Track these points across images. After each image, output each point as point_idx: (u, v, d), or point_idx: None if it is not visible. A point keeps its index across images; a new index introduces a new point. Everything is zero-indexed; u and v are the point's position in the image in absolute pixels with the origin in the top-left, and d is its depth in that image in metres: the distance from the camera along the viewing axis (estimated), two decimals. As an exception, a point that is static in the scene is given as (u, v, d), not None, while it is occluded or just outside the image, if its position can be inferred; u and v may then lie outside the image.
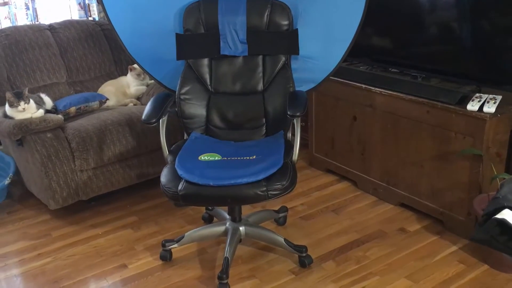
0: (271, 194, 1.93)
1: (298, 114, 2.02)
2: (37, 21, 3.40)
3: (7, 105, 2.57)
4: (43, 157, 2.54)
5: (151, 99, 2.26)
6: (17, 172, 2.95)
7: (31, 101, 2.58)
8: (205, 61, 2.45)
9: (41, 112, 2.62)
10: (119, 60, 3.36)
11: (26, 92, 2.57)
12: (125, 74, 3.27)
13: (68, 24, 3.25)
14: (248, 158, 2.11)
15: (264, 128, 2.41)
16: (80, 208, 2.82)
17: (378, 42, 2.89)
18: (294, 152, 2.13)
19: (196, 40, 2.42)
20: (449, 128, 2.34)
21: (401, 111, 2.56)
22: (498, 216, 1.79)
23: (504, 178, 2.08)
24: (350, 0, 2.37)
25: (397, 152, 2.65)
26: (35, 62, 3.02)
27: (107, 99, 3.00)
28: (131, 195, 2.97)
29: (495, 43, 2.29)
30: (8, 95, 2.54)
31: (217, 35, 2.41)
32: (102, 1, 2.43)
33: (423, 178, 2.54)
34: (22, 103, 2.53)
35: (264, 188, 1.92)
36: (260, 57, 2.43)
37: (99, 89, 3.15)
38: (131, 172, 2.81)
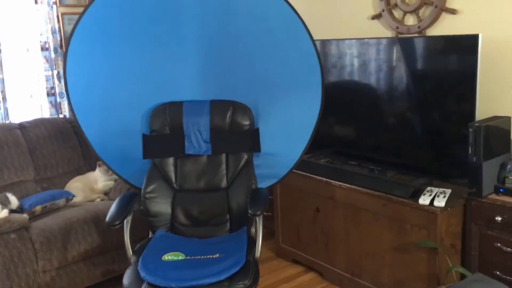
0: (233, 294, 1.95)
1: (258, 213, 2.10)
2: (8, 120, 3.48)
3: (-29, 206, 2.57)
4: (5, 259, 2.50)
5: (116, 200, 2.31)
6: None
7: (-4, 201, 2.59)
8: (171, 160, 2.54)
9: (5, 212, 2.61)
10: (88, 156, 3.42)
11: (-8, 193, 2.59)
12: (94, 169, 3.32)
13: (39, 123, 3.33)
14: (211, 256, 2.14)
15: (228, 224, 2.47)
16: (41, 310, 2.73)
17: (336, 136, 3.05)
18: (256, 249, 2.18)
19: (161, 140, 2.53)
20: (405, 220, 2.44)
21: (360, 204, 2.67)
22: None
23: (459, 272, 2.14)
24: (308, 98, 2.54)
25: (360, 243, 2.72)
26: (3, 161, 3.05)
27: (73, 196, 3.02)
28: (96, 293, 2.91)
29: (443, 138, 2.47)
30: (-27, 196, 2.55)
31: (181, 135, 2.53)
32: (71, 103, 2.53)
33: (385, 269, 2.60)
34: (-14, 204, 2.54)
35: (226, 289, 1.94)
36: (224, 155, 2.55)
37: (67, 186, 3.18)
38: (95, 270, 2.78)
